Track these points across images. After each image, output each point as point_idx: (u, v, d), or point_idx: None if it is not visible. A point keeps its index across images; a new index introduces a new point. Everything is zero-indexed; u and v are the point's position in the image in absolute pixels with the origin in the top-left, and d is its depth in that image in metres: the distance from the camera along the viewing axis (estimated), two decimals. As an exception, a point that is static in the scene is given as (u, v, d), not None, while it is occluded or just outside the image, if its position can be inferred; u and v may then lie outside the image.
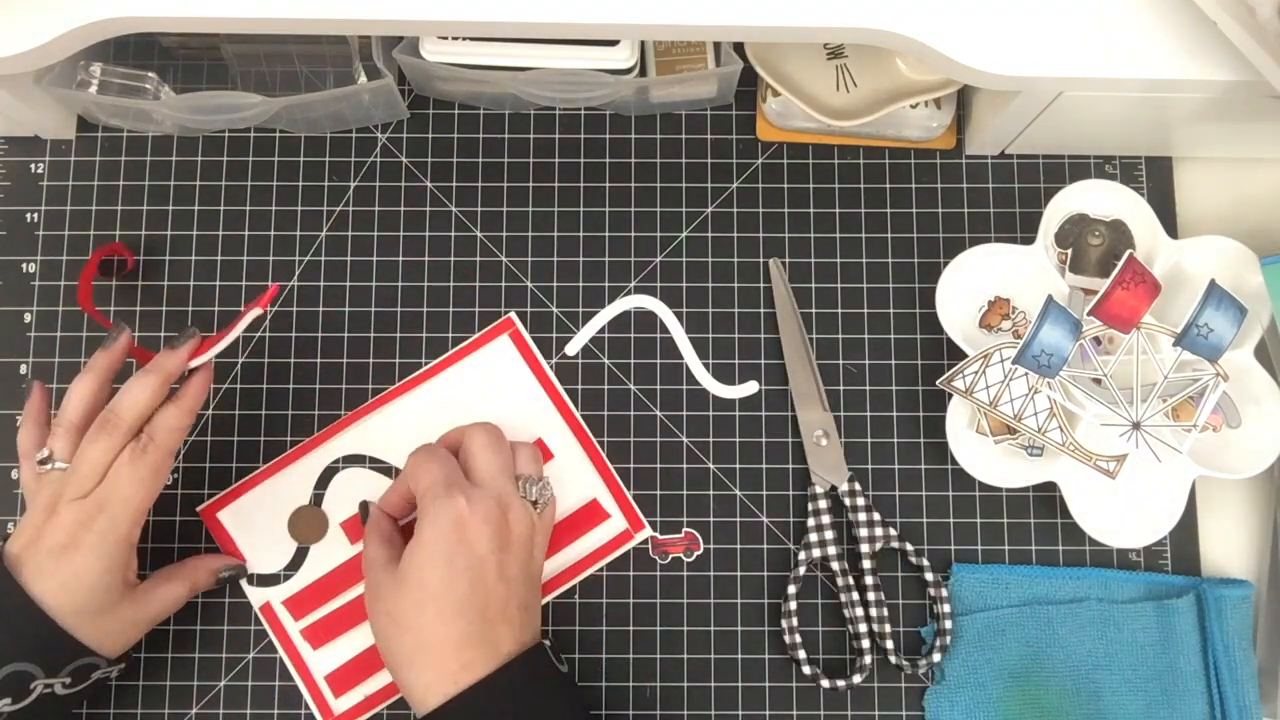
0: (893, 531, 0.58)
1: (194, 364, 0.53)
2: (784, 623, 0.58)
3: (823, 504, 0.59)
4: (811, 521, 0.59)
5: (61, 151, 0.63)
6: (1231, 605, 0.58)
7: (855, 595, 0.58)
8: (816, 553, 0.58)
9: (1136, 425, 0.56)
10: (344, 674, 0.58)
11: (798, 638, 0.58)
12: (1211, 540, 0.60)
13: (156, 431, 0.51)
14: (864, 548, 0.58)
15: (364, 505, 0.56)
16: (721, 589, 0.59)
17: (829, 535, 0.58)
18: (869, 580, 0.58)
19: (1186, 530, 0.60)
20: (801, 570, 0.58)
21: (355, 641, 0.58)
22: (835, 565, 0.58)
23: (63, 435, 0.52)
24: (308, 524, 0.59)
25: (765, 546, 0.60)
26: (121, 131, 0.64)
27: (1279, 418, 0.56)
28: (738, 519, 0.60)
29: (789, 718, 0.58)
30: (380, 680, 0.58)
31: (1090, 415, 0.56)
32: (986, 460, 0.58)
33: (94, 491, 0.50)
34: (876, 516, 0.59)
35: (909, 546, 0.58)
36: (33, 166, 0.63)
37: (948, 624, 0.58)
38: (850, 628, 0.58)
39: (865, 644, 0.57)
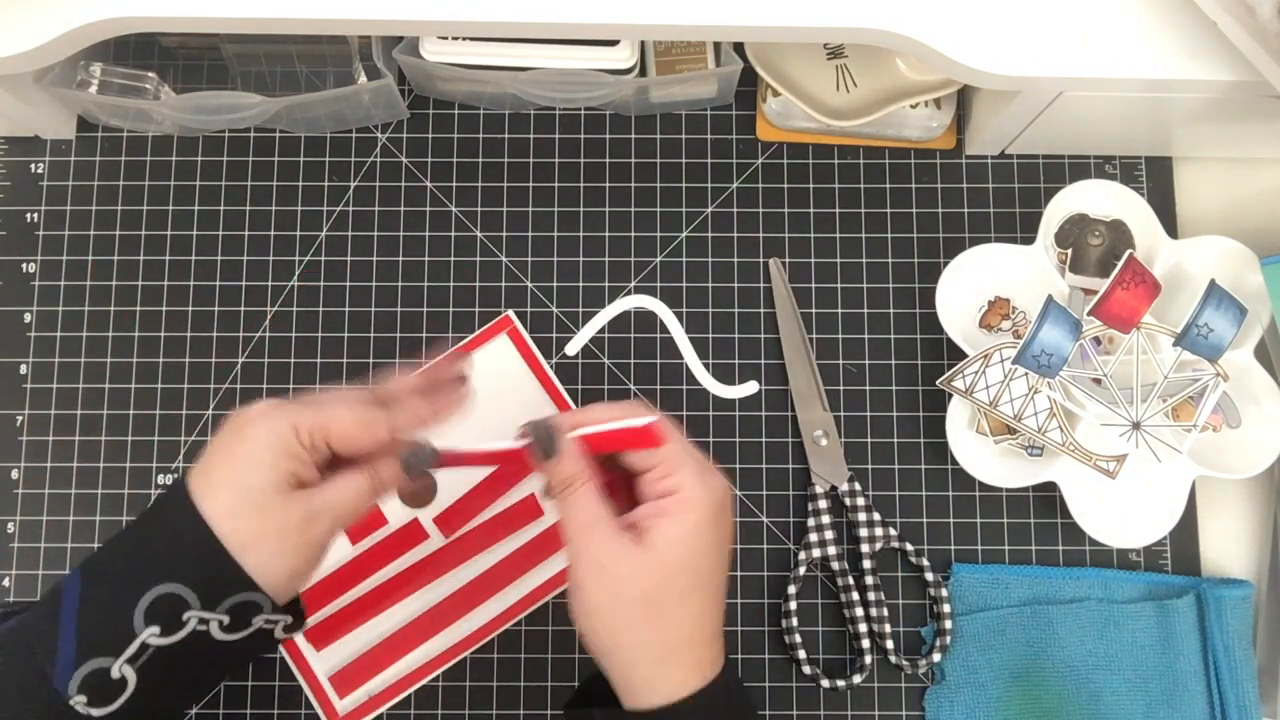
0: (893, 531, 0.58)
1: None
2: (784, 622, 0.58)
3: (823, 504, 0.59)
4: (811, 521, 0.59)
5: (61, 151, 0.63)
6: (1231, 605, 0.58)
7: (855, 595, 0.58)
8: (816, 553, 0.58)
9: (1136, 425, 0.56)
10: (348, 674, 0.58)
11: (798, 638, 0.58)
12: (1211, 540, 0.60)
13: (393, 393, 0.45)
14: (864, 547, 0.58)
15: (543, 430, 0.45)
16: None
17: (829, 535, 0.58)
18: (869, 580, 0.58)
19: (1186, 530, 0.60)
20: (801, 570, 0.58)
21: (359, 641, 0.58)
22: (835, 565, 0.58)
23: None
24: (418, 487, 0.55)
25: (765, 546, 0.60)
26: (121, 131, 0.64)
27: (1279, 418, 0.56)
28: (738, 519, 0.60)
29: (789, 718, 0.58)
30: (384, 680, 0.58)
31: (1090, 415, 0.56)
32: (986, 460, 0.58)
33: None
34: (877, 516, 0.59)
35: (909, 546, 0.58)
36: (33, 166, 0.63)
37: (948, 624, 0.58)
38: (850, 628, 0.58)
39: (865, 644, 0.57)
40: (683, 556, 0.43)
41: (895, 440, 0.61)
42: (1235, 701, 0.57)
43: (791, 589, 0.58)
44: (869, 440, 0.61)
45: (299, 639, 0.58)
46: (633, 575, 0.42)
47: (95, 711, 0.39)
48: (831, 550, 0.58)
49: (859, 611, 0.57)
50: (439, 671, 0.58)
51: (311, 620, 0.58)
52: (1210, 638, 0.57)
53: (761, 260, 0.62)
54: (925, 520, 0.60)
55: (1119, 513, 0.57)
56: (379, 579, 0.59)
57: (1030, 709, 0.58)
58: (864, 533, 0.58)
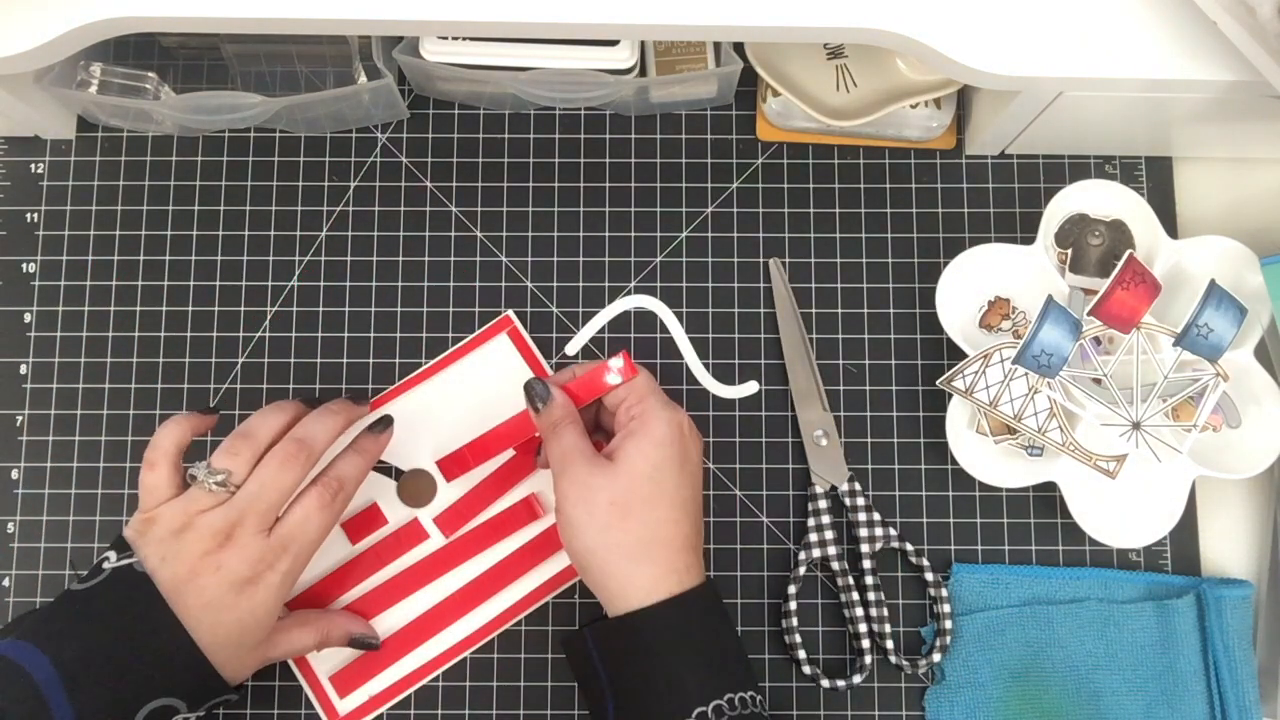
0: (893, 531, 0.58)
1: (379, 413, 0.56)
2: (784, 622, 0.58)
3: (823, 504, 0.59)
4: (811, 521, 0.59)
5: (61, 151, 0.63)
6: (1231, 605, 0.58)
7: (855, 595, 0.58)
8: (816, 553, 0.58)
9: (1136, 425, 0.56)
10: (348, 674, 0.58)
11: (798, 637, 0.58)
12: (1211, 540, 0.60)
13: (346, 480, 0.52)
14: (864, 547, 0.58)
15: (537, 385, 0.53)
16: (721, 589, 0.59)
17: (829, 535, 0.58)
18: (869, 580, 0.58)
19: (1186, 530, 0.60)
20: (802, 570, 0.58)
21: (356, 641, 0.58)
22: (835, 565, 0.58)
23: (246, 456, 0.50)
24: (416, 487, 0.59)
25: (765, 546, 0.60)
26: (121, 131, 0.64)
27: (1279, 418, 0.56)
28: (738, 519, 0.60)
29: (789, 717, 0.58)
30: (384, 680, 0.58)
31: (1090, 415, 0.56)
32: (986, 460, 0.58)
33: (278, 528, 0.49)
34: (877, 516, 0.59)
35: (909, 546, 0.58)
36: (33, 166, 0.63)
37: (948, 624, 0.58)
38: (850, 628, 0.58)
39: (865, 644, 0.57)
40: (644, 467, 0.50)
41: (895, 440, 0.61)
42: (1235, 701, 0.57)
43: (791, 589, 0.58)
44: (869, 440, 0.61)
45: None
46: (603, 485, 0.49)
47: None
48: (831, 550, 0.58)
49: (859, 611, 0.57)
50: (439, 671, 0.58)
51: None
52: (1210, 638, 0.57)
53: (761, 260, 0.62)
54: (925, 520, 0.60)
55: (1119, 513, 0.57)
56: (379, 579, 0.59)
57: (1030, 709, 0.58)
58: (864, 533, 0.58)
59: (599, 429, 0.56)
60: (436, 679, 0.58)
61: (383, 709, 0.58)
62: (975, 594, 0.59)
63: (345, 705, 0.58)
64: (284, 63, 0.61)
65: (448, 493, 0.60)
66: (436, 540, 0.59)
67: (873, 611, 0.58)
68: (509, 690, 0.58)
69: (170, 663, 0.47)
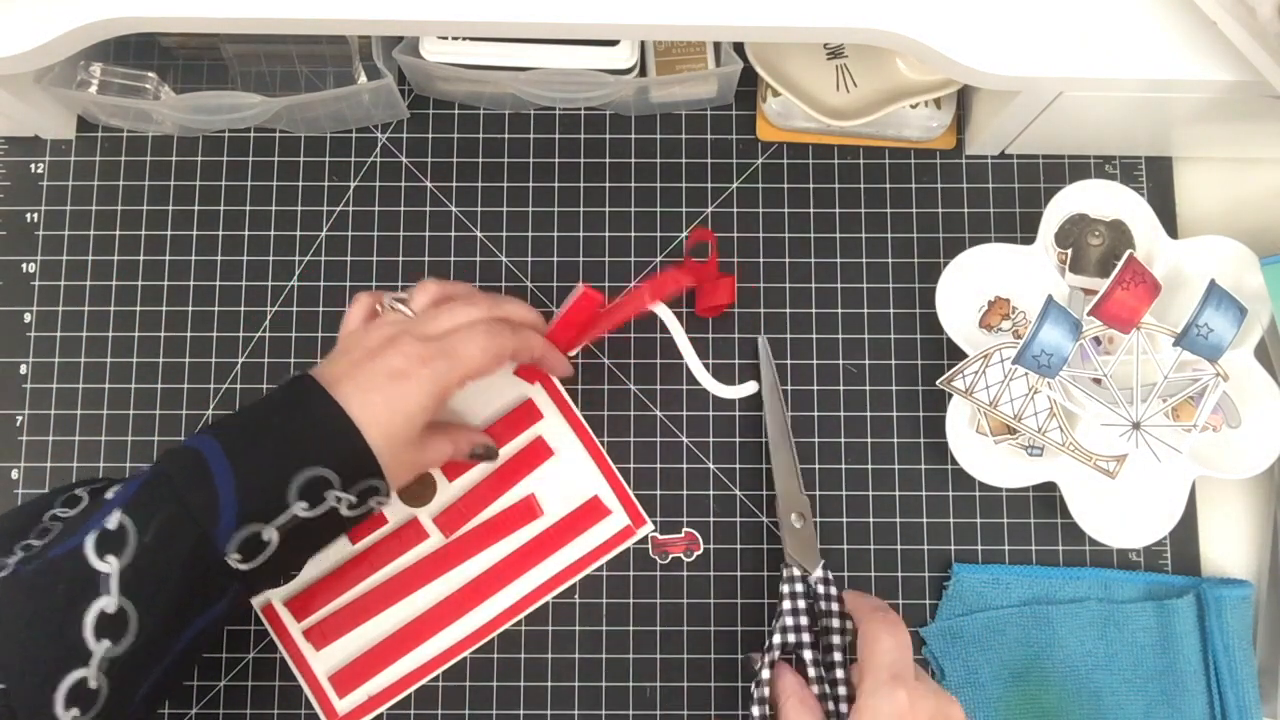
0: None
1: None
2: (755, 710, 0.53)
3: (799, 587, 0.56)
4: (787, 604, 0.55)
5: (61, 151, 0.63)
6: (1231, 605, 0.58)
7: (827, 688, 0.53)
8: (791, 638, 0.54)
9: (1136, 425, 0.56)
10: (347, 674, 0.58)
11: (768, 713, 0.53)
12: (1211, 540, 0.60)
13: (520, 331, 0.54)
14: (835, 639, 0.54)
15: (764, 663, 0.52)
16: (721, 589, 0.59)
17: (804, 621, 0.55)
18: (839, 674, 0.53)
19: (1186, 530, 0.60)
20: (777, 654, 0.54)
21: (358, 641, 0.58)
22: (808, 655, 0.53)
23: (425, 294, 0.54)
24: (416, 486, 0.60)
25: (765, 546, 0.60)
26: (121, 131, 0.64)
27: (1279, 418, 0.56)
28: (738, 519, 0.60)
29: (789, 718, 0.58)
30: (384, 680, 0.58)
31: (1090, 415, 0.56)
32: (986, 460, 0.58)
33: (440, 338, 0.51)
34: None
35: None
36: (33, 166, 0.63)
37: None
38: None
39: None
40: None
41: (895, 440, 0.61)
42: (1235, 701, 0.57)
43: (765, 674, 0.53)
44: (869, 440, 0.61)
45: (299, 640, 0.58)
46: None
47: (244, 566, 0.47)
48: (805, 637, 0.54)
49: (830, 706, 0.52)
50: (439, 671, 0.58)
51: (311, 620, 0.58)
52: (1210, 638, 0.57)
53: (761, 260, 0.62)
54: (925, 520, 0.60)
55: (1119, 513, 0.57)
56: (379, 579, 0.59)
57: (1030, 709, 0.58)
58: (835, 623, 0.55)
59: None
60: (436, 679, 0.58)
61: (382, 709, 0.58)
62: (975, 594, 0.59)
63: (344, 705, 0.58)
64: (284, 63, 0.61)
65: (448, 492, 0.60)
66: (436, 540, 0.59)
67: (843, 708, 0.53)
68: (509, 690, 0.58)
69: (324, 431, 0.48)
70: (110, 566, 0.44)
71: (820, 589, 0.56)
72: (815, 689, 0.52)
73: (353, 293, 0.62)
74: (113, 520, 0.45)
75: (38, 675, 0.43)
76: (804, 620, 0.55)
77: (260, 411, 0.49)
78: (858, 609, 0.52)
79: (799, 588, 0.56)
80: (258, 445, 0.48)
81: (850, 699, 0.53)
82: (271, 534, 0.47)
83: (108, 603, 0.44)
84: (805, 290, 0.62)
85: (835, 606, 0.55)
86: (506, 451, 0.60)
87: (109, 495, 0.46)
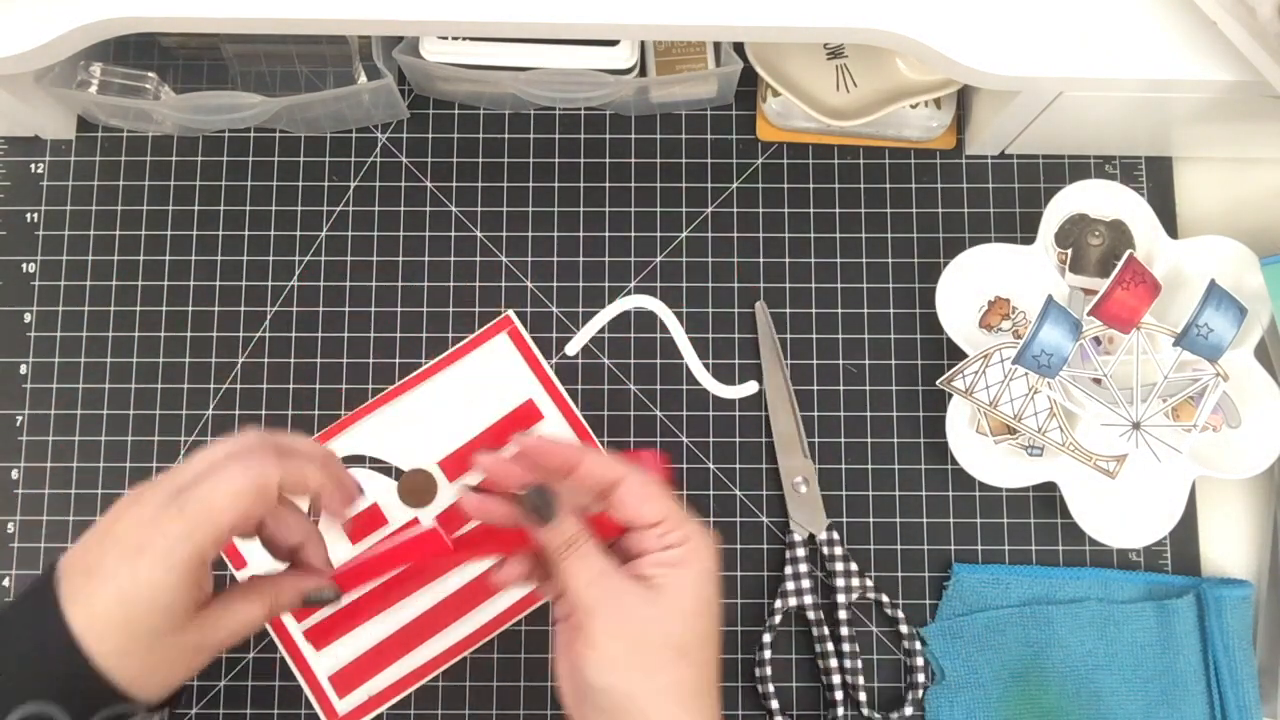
0: (869, 583, 0.58)
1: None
2: (758, 671, 0.57)
3: (800, 552, 0.58)
4: (789, 569, 0.58)
5: (61, 151, 0.63)
6: (1231, 605, 0.58)
7: (830, 646, 0.57)
8: (793, 601, 0.57)
9: (1136, 425, 0.56)
10: (347, 674, 0.58)
11: (771, 688, 0.57)
12: (1211, 540, 0.60)
13: (290, 454, 0.43)
14: (840, 598, 0.58)
15: (538, 496, 0.44)
16: (721, 590, 0.59)
17: (805, 584, 0.58)
18: (844, 631, 0.57)
19: (1186, 530, 0.60)
20: (777, 619, 0.57)
21: (358, 641, 0.58)
22: (811, 615, 0.57)
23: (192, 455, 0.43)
24: (417, 487, 0.59)
25: (765, 546, 0.60)
26: (121, 131, 0.64)
27: (1279, 418, 0.56)
28: (738, 519, 0.60)
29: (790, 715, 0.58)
30: (384, 680, 0.58)
31: (1090, 415, 0.56)
32: (986, 460, 0.58)
33: (186, 490, 0.41)
34: (854, 567, 0.58)
35: (885, 598, 0.58)
36: (33, 166, 0.63)
37: (920, 677, 0.57)
38: (824, 679, 0.57)
39: (839, 695, 0.57)
40: (698, 603, 0.43)
41: (895, 440, 0.61)
42: (1235, 701, 0.57)
43: (766, 638, 0.57)
44: (869, 440, 0.61)
45: (299, 640, 0.58)
46: (655, 620, 0.42)
47: None
48: (808, 599, 0.57)
49: (833, 663, 0.57)
50: (439, 671, 0.58)
51: (311, 620, 0.58)
52: (1210, 638, 0.57)
53: (761, 260, 0.62)
54: (925, 520, 0.60)
55: (1119, 513, 0.57)
56: (379, 579, 0.59)
57: (1030, 709, 0.58)
58: (840, 583, 0.58)
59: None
60: (436, 679, 0.58)
61: (382, 708, 0.58)
62: (975, 594, 0.59)
63: (344, 705, 0.58)
64: (284, 63, 0.61)
65: (448, 493, 0.60)
66: (436, 540, 0.59)
67: (846, 663, 0.57)
68: (509, 690, 0.58)
69: (41, 655, 0.39)
70: None
71: (825, 550, 0.58)
72: (818, 648, 0.55)
73: (353, 293, 0.62)
74: None
75: None
76: (806, 583, 0.57)
77: None
78: (599, 471, 0.45)
79: (800, 552, 0.58)
80: None
81: (852, 654, 0.55)
82: None
83: None
84: (805, 290, 0.62)
85: (840, 566, 0.57)
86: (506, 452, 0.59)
87: None
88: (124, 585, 0.39)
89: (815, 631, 0.57)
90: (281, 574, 0.46)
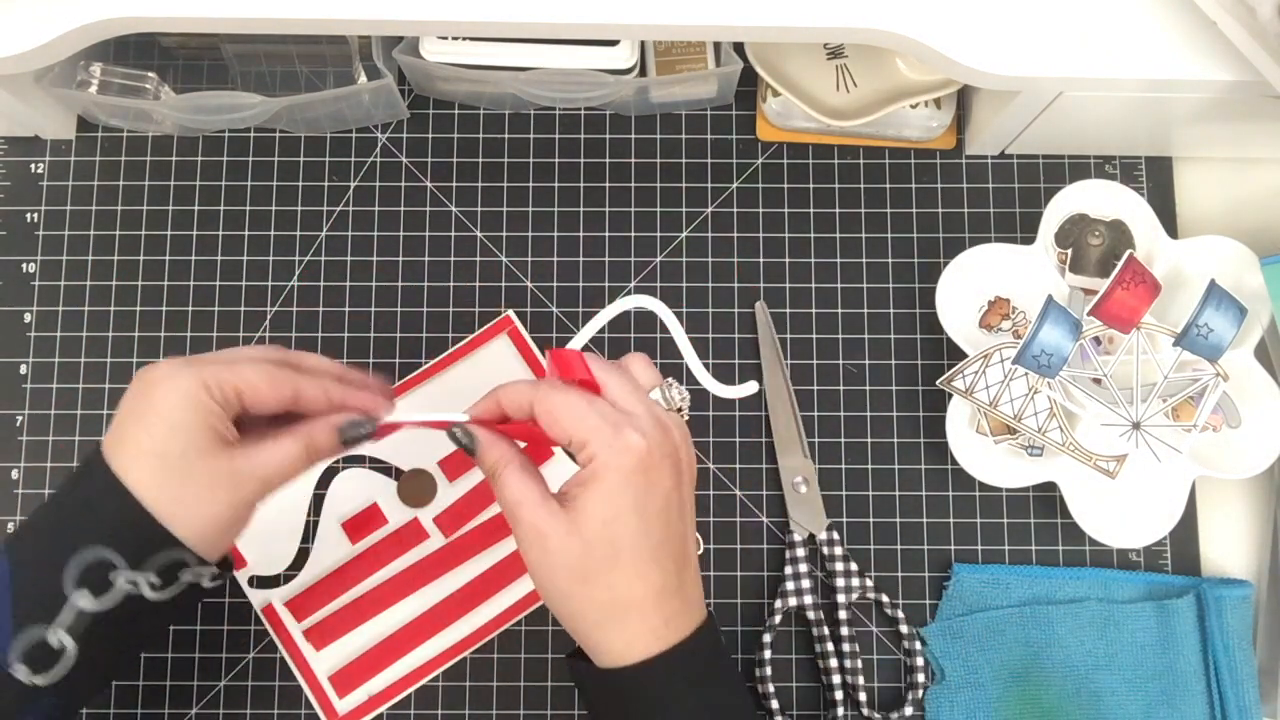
0: (869, 583, 0.58)
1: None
2: (758, 671, 0.57)
3: (800, 552, 0.58)
4: (789, 569, 0.58)
5: (61, 151, 0.63)
6: (1231, 605, 0.58)
7: (830, 646, 0.57)
8: (793, 601, 0.58)
9: (1136, 425, 0.56)
10: (347, 674, 0.58)
11: (771, 688, 0.57)
12: (1211, 540, 0.60)
13: (316, 375, 0.45)
14: (840, 598, 0.58)
15: (460, 432, 0.46)
16: (721, 589, 0.59)
17: (805, 584, 0.58)
18: (844, 631, 0.57)
19: (1186, 530, 0.60)
20: (777, 619, 0.58)
21: (358, 641, 0.58)
22: (811, 615, 0.57)
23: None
24: (416, 487, 0.59)
25: (765, 546, 0.60)
26: (121, 131, 0.64)
27: (1279, 418, 0.56)
28: (738, 519, 0.60)
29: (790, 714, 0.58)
30: (384, 680, 0.58)
31: (1090, 415, 0.56)
32: (986, 460, 0.58)
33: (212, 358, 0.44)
34: (854, 567, 0.58)
35: (885, 598, 0.58)
36: (33, 166, 0.63)
37: (920, 677, 0.57)
38: (824, 679, 0.58)
39: (839, 695, 0.57)
40: (599, 526, 0.42)
41: (895, 440, 0.61)
42: (1235, 701, 0.57)
43: (767, 638, 0.57)
44: (869, 440, 0.61)
45: (299, 640, 0.58)
46: (560, 545, 0.43)
47: (39, 680, 0.41)
48: (808, 599, 0.58)
49: (833, 663, 0.57)
50: (439, 671, 0.58)
51: (311, 620, 0.58)
52: (1210, 638, 0.57)
53: (761, 260, 0.62)
54: (925, 520, 0.60)
55: (1119, 513, 0.57)
56: (379, 579, 0.59)
57: (1030, 709, 0.58)
58: (840, 583, 0.58)
59: None
60: (436, 679, 0.58)
61: (383, 707, 0.58)
62: (975, 594, 0.59)
63: (345, 705, 0.58)
64: (284, 63, 0.61)
65: (448, 493, 0.60)
66: (437, 540, 0.59)
67: (846, 663, 0.57)
68: (509, 690, 0.58)
69: (94, 501, 0.42)
70: None
71: (825, 550, 0.58)
72: (818, 647, 0.56)
73: (353, 293, 0.62)
74: None
75: None
76: (806, 583, 0.57)
77: (50, 501, 0.43)
78: (518, 401, 0.45)
79: (800, 552, 0.58)
80: (33, 535, 0.42)
81: (852, 654, 0.56)
82: (61, 638, 0.41)
83: None
84: (805, 290, 0.62)
85: (840, 566, 0.58)
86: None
87: None
88: (146, 418, 0.42)
89: (815, 631, 0.57)
90: (316, 419, 0.46)
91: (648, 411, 0.44)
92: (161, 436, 0.41)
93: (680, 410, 0.47)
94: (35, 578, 0.41)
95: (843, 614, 0.57)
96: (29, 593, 0.41)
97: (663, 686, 0.43)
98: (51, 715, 0.43)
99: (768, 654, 0.57)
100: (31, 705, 0.41)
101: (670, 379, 0.48)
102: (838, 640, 0.57)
